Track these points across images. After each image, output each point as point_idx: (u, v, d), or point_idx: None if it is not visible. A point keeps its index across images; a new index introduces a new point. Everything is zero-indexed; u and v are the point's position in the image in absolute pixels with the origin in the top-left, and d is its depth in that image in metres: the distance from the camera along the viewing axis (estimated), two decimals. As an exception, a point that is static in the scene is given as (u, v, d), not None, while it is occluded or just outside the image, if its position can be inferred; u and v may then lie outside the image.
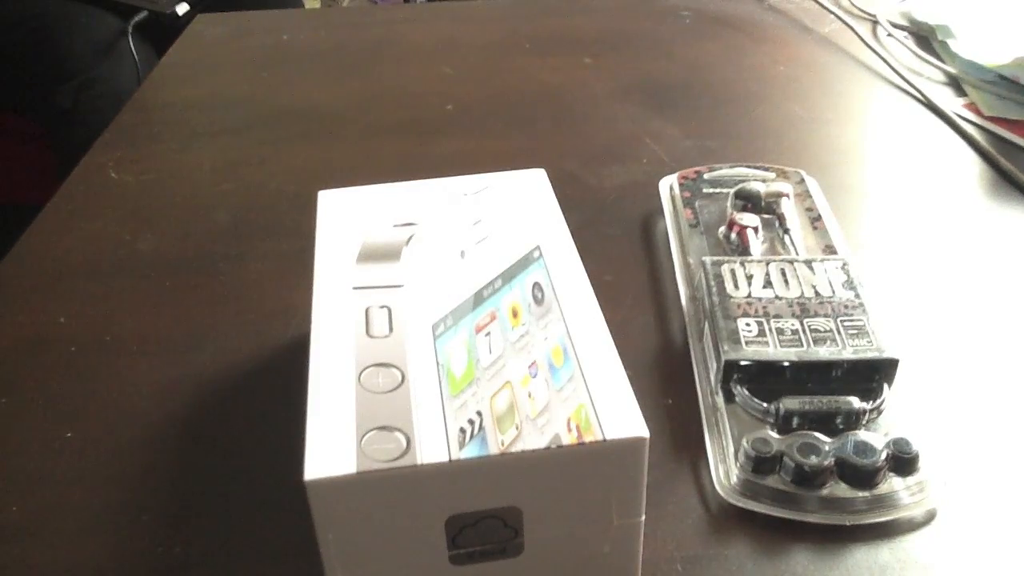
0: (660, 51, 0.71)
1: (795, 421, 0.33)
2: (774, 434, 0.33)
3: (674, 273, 0.43)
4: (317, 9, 1.51)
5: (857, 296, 0.36)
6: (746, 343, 0.35)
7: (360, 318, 0.29)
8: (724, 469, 0.33)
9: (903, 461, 0.31)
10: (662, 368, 0.38)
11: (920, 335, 0.40)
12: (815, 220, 0.44)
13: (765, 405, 0.33)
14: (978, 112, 0.59)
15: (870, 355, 0.34)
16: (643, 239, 0.47)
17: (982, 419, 0.35)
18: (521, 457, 0.24)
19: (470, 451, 0.24)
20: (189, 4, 1.20)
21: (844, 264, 0.38)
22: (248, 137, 0.59)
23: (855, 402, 0.33)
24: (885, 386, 0.34)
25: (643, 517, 0.27)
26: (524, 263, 0.32)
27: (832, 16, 0.75)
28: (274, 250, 0.47)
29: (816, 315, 0.36)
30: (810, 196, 0.46)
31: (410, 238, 0.33)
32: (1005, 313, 0.41)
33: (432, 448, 0.24)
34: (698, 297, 0.40)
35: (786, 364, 0.34)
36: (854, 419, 0.33)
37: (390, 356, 0.28)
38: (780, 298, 0.37)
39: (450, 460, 0.24)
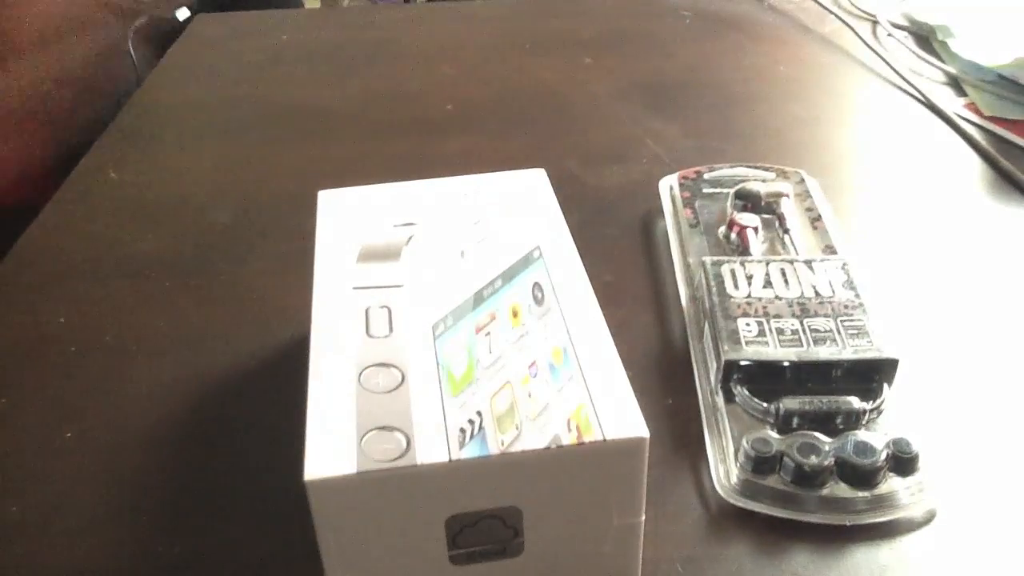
0: (660, 51, 0.71)
1: (795, 421, 0.33)
2: (774, 434, 0.33)
3: (674, 273, 0.43)
4: (317, 9, 1.51)
5: (857, 296, 0.36)
6: (746, 343, 0.35)
7: (360, 318, 0.29)
8: (724, 469, 0.33)
9: (903, 461, 0.31)
10: (662, 368, 0.38)
11: (920, 335, 0.40)
12: (815, 220, 0.44)
13: (765, 405, 0.33)
14: (978, 112, 0.59)
15: (870, 355, 0.34)
16: (643, 239, 0.47)
17: (982, 419, 0.35)
18: (521, 457, 0.24)
19: (470, 451, 0.24)
20: (189, 9, 1.20)
21: (844, 264, 0.38)
22: (248, 137, 0.59)
23: (855, 402, 0.33)
24: (885, 386, 0.34)
25: (643, 517, 0.27)
26: (524, 263, 0.32)
27: (832, 16, 0.75)
28: (274, 250, 0.47)
29: (816, 315, 0.36)
30: (810, 196, 0.46)
31: (410, 238, 0.33)
32: (1005, 313, 0.41)
33: (432, 448, 0.24)
34: (698, 297, 0.40)
35: (786, 364, 0.34)
36: (854, 419, 0.33)
37: (390, 356, 0.28)
38: (780, 298, 0.37)
39: (450, 460, 0.24)
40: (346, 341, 0.28)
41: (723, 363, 0.34)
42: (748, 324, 0.35)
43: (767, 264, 0.39)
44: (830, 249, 0.42)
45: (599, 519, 0.26)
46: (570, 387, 0.26)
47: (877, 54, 0.67)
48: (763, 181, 0.47)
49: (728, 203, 0.46)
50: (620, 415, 0.25)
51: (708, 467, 0.33)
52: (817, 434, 0.32)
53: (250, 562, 0.31)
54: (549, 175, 0.37)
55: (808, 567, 0.30)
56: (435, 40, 0.74)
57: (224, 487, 0.33)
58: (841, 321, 0.35)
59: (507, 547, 0.26)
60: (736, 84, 0.64)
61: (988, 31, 0.68)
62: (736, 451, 0.32)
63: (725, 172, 0.49)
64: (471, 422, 0.25)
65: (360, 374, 0.27)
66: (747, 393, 0.34)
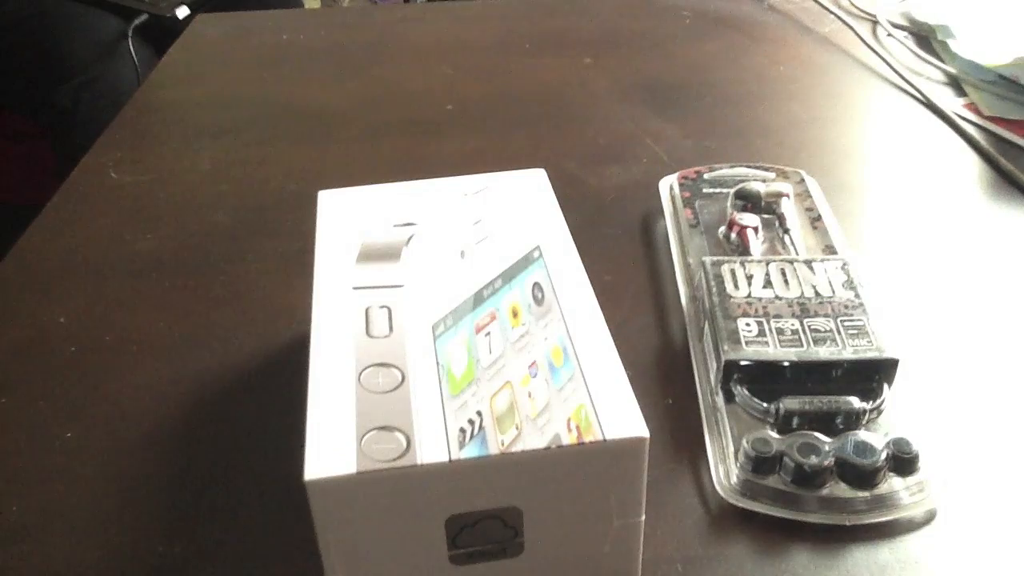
0: (660, 51, 0.71)
1: (795, 421, 0.33)
2: (774, 434, 0.33)
3: (674, 273, 0.43)
4: (317, 9, 1.51)
5: (857, 296, 0.36)
6: (746, 343, 0.35)
7: (360, 318, 0.29)
8: (724, 469, 0.33)
9: (903, 461, 0.31)
10: (662, 368, 0.38)
11: (920, 335, 0.40)
12: (815, 220, 0.44)
13: (765, 405, 0.33)
14: (978, 112, 0.59)
15: (870, 355, 0.34)
16: (643, 239, 0.47)
17: (982, 419, 0.35)
18: (521, 457, 0.24)
19: (470, 451, 0.24)
20: (189, 7, 1.20)
21: (844, 264, 0.38)
22: (248, 137, 0.59)
23: (855, 402, 0.33)
24: (885, 386, 0.34)
25: (643, 517, 0.27)
26: (524, 263, 0.32)
27: (832, 16, 0.75)
28: (274, 250, 0.47)
29: (816, 315, 0.36)
30: (810, 196, 0.46)
31: (410, 238, 0.33)
32: (1005, 313, 0.41)
33: (432, 448, 0.24)
34: (698, 297, 0.40)
35: (786, 364, 0.34)
36: (854, 419, 0.33)
37: (390, 356, 0.28)
38: (780, 298, 0.37)
39: (450, 460, 0.24)
40: (346, 341, 0.28)
41: (723, 363, 0.34)
42: (748, 324, 0.35)
43: (767, 264, 0.39)
44: (830, 249, 0.42)
45: (599, 519, 0.26)
46: (570, 387, 0.26)
47: (877, 54, 0.67)
48: (763, 181, 0.47)
49: (728, 203, 0.46)
50: (620, 415, 0.25)
51: (708, 467, 0.33)
52: (817, 434, 0.32)
53: (250, 562, 0.31)
54: (549, 175, 0.37)
55: (808, 567, 0.30)
56: (435, 40, 0.74)
57: (224, 487, 0.33)
58: (841, 321, 0.35)
59: (507, 547, 0.26)
60: (736, 84, 0.64)
61: (988, 31, 0.68)
62: (736, 451, 0.32)
63: (725, 172, 0.49)
64: (471, 422, 0.25)
65: (360, 374, 0.27)
66: (747, 393, 0.34)
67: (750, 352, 0.34)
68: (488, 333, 0.28)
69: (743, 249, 0.42)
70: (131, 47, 1.16)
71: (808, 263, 0.38)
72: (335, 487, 0.24)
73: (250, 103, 0.64)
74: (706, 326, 0.37)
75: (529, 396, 0.26)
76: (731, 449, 0.33)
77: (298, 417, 0.26)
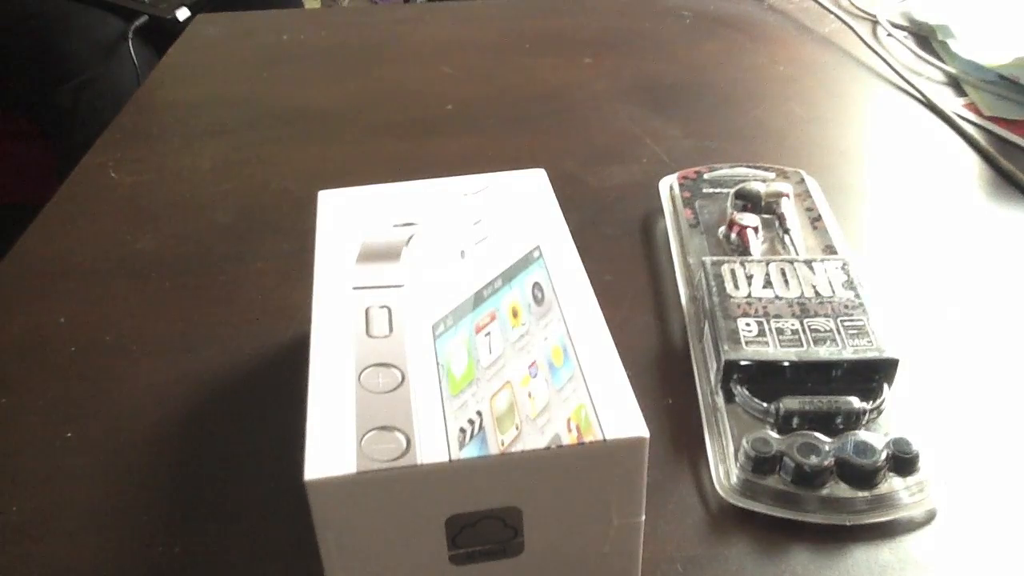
0: (660, 51, 0.71)
1: (795, 421, 0.33)
2: (774, 434, 0.33)
3: (674, 273, 0.43)
4: (317, 9, 1.51)
5: (857, 296, 0.36)
6: (746, 343, 0.35)
7: (360, 318, 0.29)
8: (724, 469, 0.33)
9: (903, 461, 0.31)
10: (662, 368, 0.38)
11: (920, 335, 0.40)
12: (815, 220, 0.44)
13: (765, 405, 0.33)
14: (978, 112, 0.59)
15: (870, 355, 0.34)
16: (643, 239, 0.47)
17: (982, 419, 0.35)
18: (521, 457, 0.24)
19: (470, 451, 0.24)
20: (189, 8, 1.20)
21: (844, 264, 0.38)
22: (248, 137, 0.59)
23: (855, 402, 0.33)
24: (885, 386, 0.34)
25: (643, 517, 0.27)
26: (524, 263, 0.32)
27: (832, 16, 0.75)
28: (274, 250, 0.47)
29: (816, 315, 0.36)
30: (810, 196, 0.46)
31: (410, 238, 0.33)
32: (1005, 313, 0.41)
33: (432, 448, 0.24)
34: (698, 297, 0.40)
35: (786, 364, 0.34)
36: (854, 419, 0.33)
37: (390, 356, 0.28)
38: (780, 298, 0.37)
39: (450, 460, 0.24)
40: (346, 341, 0.28)
41: (723, 363, 0.34)
42: (748, 324, 0.35)
43: (767, 264, 0.39)
44: (830, 249, 0.42)
45: (599, 519, 0.26)
46: (570, 387, 0.26)
47: (877, 54, 0.67)
48: (763, 181, 0.47)
49: (728, 203, 0.46)
50: (620, 415, 0.25)
51: (708, 467, 0.33)
52: (817, 434, 0.32)
53: (250, 562, 0.31)
54: (549, 175, 0.37)
55: (808, 567, 0.30)
56: (435, 40, 0.74)
57: (224, 487, 0.33)
58: (841, 321, 0.35)
59: (507, 547, 0.26)
60: (736, 84, 0.64)
61: (988, 31, 0.68)
62: (736, 451, 0.32)
63: (725, 172, 0.49)
64: (471, 422, 0.25)
65: (360, 374, 0.27)
66: (747, 393, 0.34)
67: (750, 352, 0.34)
68: (488, 333, 0.28)
69: (743, 249, 0.42)
70: (131, 47, 1.16)
71: (808, 263, 0.38)
72: (335, 487, 0.24)
73: (250, 103, 0.64)
74: (706, 326, 0.37)
75: (529, 396, 0.26)
76: (731, 449, 0.33)
77: (298, 417, 0.26)
